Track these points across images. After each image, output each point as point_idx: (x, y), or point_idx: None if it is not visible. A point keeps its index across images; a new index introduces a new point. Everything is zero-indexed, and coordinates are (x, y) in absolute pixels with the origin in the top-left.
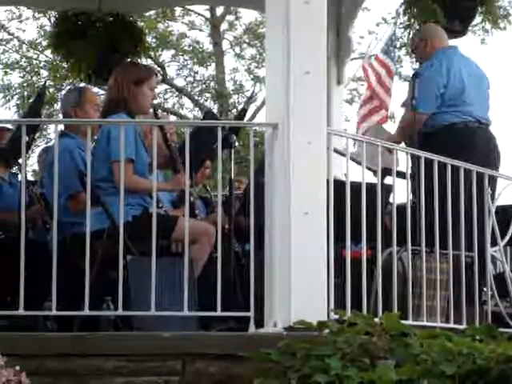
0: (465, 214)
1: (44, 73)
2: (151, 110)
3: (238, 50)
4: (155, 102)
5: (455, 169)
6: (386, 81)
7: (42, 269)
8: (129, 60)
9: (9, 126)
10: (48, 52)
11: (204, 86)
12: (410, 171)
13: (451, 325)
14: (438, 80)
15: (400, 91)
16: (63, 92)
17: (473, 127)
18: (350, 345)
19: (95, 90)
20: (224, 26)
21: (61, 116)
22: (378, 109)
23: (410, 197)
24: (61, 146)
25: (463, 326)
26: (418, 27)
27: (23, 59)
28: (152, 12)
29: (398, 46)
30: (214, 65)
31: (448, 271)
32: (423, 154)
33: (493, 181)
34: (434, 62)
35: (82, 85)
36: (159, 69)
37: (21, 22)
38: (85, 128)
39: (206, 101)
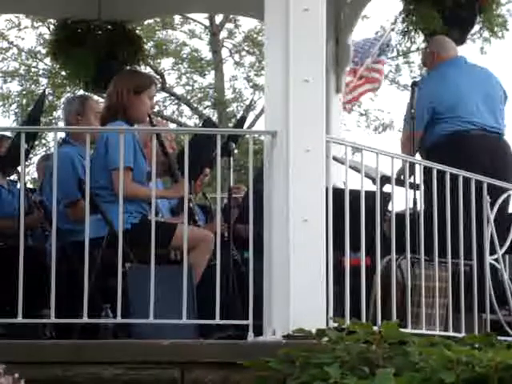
0: (464, 222)
1: (43, 81)
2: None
3: (237, 57)
4: (154, 110)
5: (454, 177)
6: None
7: (41, 276)
8: (129, 68)
9: (8, 133)
10: (47, 60)
11: (203, 94)
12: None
13: (450, 333)
14: (425, 95)
15: (399, 100)
16: (66, 100)
17: (475, 135)
18: (349, 353)
19: (95, 97)
20: (223, 33)
21: (60, 123)
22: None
23: (411, 205)
24: (61, 154)
25: (462, 334)
26: (416, 35)
27: (22, 67)
28: (151, 20)
29: (391, 49)
30: (213, 73)
31: (447, 279)
32: (421, 162)
33: (495, 190)
34: (428, 76)
35: (85, 93)
36: (158, 77)
37: (20, 30)
38: (85, 136)
39: (205, 109)
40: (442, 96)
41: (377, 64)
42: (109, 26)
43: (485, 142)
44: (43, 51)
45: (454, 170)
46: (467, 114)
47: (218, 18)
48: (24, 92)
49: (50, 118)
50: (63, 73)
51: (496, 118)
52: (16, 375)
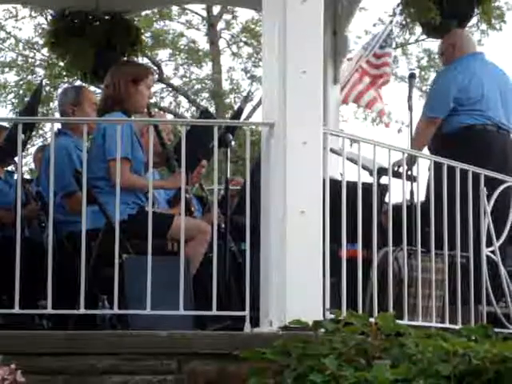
0: (461, 215)
1: (40, 71)
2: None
3: (234, 48)
4: (151, 100)
5: (451, 169)
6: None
7: (38, 267)
8: (125, 59)
9: (5, 124)
10: (44, 50)
11: (200, 85)
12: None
13: (446, 325)
14: (453, 85)
15: (397, 92)
16: (61, 90)
17: (491, 131)
18: (346, 344)
19: (92, 88)
20: (221, 24)
21: (57, 114)
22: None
23: (408, 197)
24: (57, 145)
25: (458, 326)
26: (414, 27)
27: (19, 58)
28: (149, 11)
29: (391, 43)
30: (210, 64)
31: (443, 271)
32: (418, 155)
33: (495, 182)
34: (454, 66)
35: (80, 84)
36: (155, 68)
37: (17, 20)
38: (82, 127)
39: (203, 100)
40: (467, 88)
41: (383, 58)
42: (107, 17)
43: (498, 138)
44: (41, 42)
45: (453, 163)
46: (487, 108)
47: (216, 9)
48: (21, 82)
49: (47, 108)
50: (61, 63)
51: (508, 115)
52: (12, 366)
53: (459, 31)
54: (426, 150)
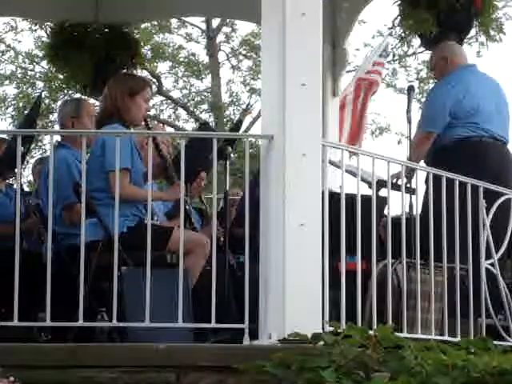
0: (460, 227)
1: (39, 84)
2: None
3: (234, 61)
4: (150, 113)
5: (450, 181)
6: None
7: (37, 280)
8: (124, 71)
9: (4, 136)
10: (44, 63)
11: (200, 98)
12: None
13: (446, 337)
14: (449, 99)
15: (396, 104)
16: (61, 103)
17: (487, 142)
18: (345, 357)
19: (91, 101)
20: (220, 37)
21: (56, 127)
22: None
23: (407, 210)
24: (57, 157)
25: (458, 339)
26: (412, 39)
27: (19, 70)
28: (148, 24)
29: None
30: (210, 76)
31: (443, 283)
32: (418, 167)
33: (494, 195)
34: (448, 79)
35: (80, 96)
36: (155, 80)
37: (16, 33)
38: (81, 139)
39: (202, 113)
40: (463, 102)
41: (377, 66)
42: (106, 30)
43: (495, 150)
44: (40, 54)
45: (452, 176)
46: (482, 121)
47: (215, 22)
48: (21, 95)
49: (47, 121)
50: (60, 76)
51: (503, 127)
52: (11, 378)
53: (449, 44)
54: (422, 163)
